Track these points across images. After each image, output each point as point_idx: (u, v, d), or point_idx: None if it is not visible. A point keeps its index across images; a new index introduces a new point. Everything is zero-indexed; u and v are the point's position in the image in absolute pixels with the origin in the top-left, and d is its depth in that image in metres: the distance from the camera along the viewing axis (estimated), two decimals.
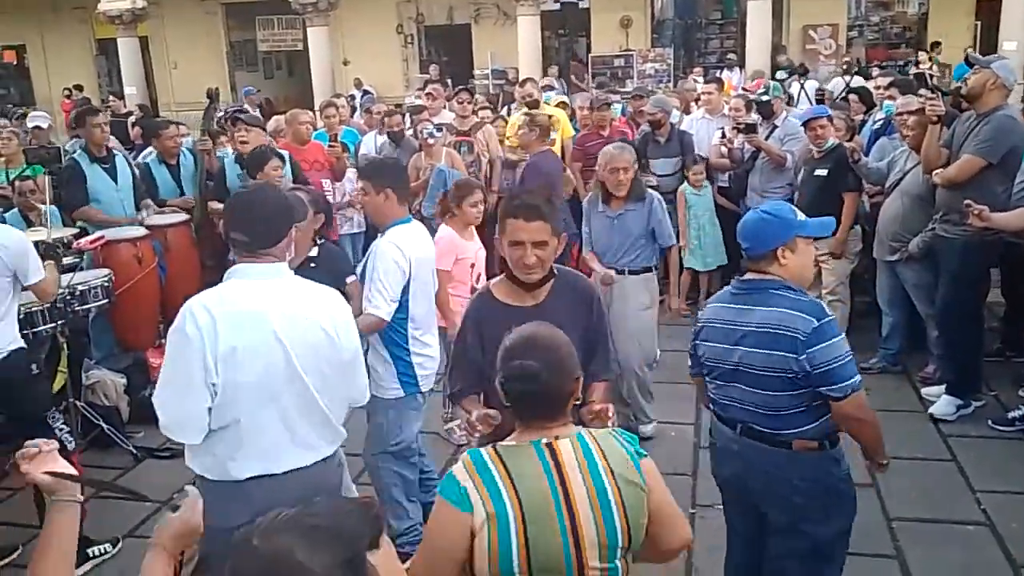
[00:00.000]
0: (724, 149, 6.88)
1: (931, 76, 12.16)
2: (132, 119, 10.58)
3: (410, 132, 7.33)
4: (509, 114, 8.96)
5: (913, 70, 12.92)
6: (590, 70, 16.47)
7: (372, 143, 7.68)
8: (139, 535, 4.18)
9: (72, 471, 1.81)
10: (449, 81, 14.69)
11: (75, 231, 5.41)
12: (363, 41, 18.24)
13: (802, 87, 11.97)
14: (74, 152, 6.27)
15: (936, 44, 15.18)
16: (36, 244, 3.93)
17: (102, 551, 3.96)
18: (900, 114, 5.45)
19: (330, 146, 6.77)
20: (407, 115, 7.67)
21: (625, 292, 4.78)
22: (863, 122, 6.93)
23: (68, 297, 4.56)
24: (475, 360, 2.83)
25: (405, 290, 3.57)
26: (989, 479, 4.30)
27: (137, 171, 6.28)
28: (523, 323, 2.68)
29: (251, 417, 2.51)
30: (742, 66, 15.24)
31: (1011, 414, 4.83)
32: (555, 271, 2.86)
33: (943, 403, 4.98)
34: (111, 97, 14.20)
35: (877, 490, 4.17)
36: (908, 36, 17.28)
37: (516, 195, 2.85)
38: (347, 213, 6.87)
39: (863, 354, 5.14)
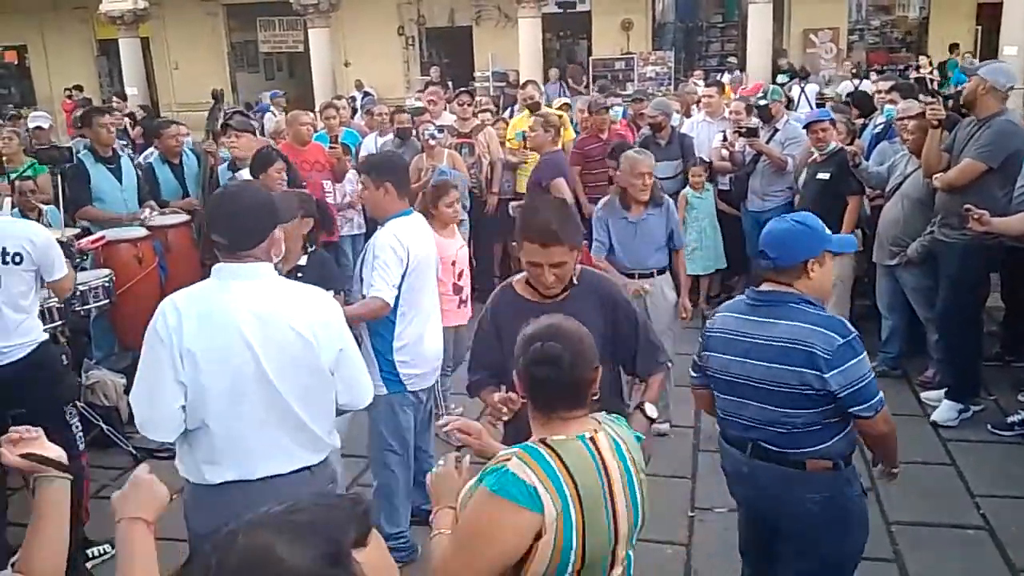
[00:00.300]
0: (725, 152, 6.89)
1: (931, 80, 12.19)
2: (127, 120, 10.61)
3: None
4: (511, 116, 8.96)
5: (913, 74, 12.93)
6: (591, 73, 16.49)
7: (373, 144, 7.68)
8: None
9: (49, 454, 1.77)
10: (450, 83, 14.71)
11: (76, 231, 5.42)
12: (364, 43, 18.25)
13: (802, 90, 11.98)
14: (79, 152, 6.28)
15: (954, 46, 15.16)
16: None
17: (102, 551, 3.96)
18: (901, 118, 5.46)
19: (331, 147, 6.77)
20: (409, 116, 7.67)
21: (659, 291, 4.90)
22: (864, 126, 6.94)
23: (68, 297, 4.55)
24: (494, 351, 2.83)
25: (401, 281, 3.55)
26: (988, 483, 4.30)
27: (140, 172, 6.29)
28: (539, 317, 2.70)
29: (220, 420, 2.47)
30: (742, 69, 15.26)
31: (1010, 419, 4.83)
32: (576, 278, 2.82)
33: (944, 409, 4.98)
34: (114, 98, 14.19)
35: (876, 494, 4.16)
36: (909, 40, 17.30)
37: (532, 214, 2.75)
38: (347, 214, 6.88)
39: None
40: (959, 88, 5.03)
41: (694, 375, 2.90)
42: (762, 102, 6.86)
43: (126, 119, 10.51)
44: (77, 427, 3.93)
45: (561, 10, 17.63)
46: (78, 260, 5.05)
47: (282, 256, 2.76)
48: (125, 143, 8.37)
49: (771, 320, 2.58)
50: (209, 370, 2.43)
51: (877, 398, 2.51)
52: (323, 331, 2.51)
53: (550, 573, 1.86)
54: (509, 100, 13.93)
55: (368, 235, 6.59)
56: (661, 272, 4.91)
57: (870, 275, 5.78)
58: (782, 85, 10.23)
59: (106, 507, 4.21)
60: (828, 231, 2.67)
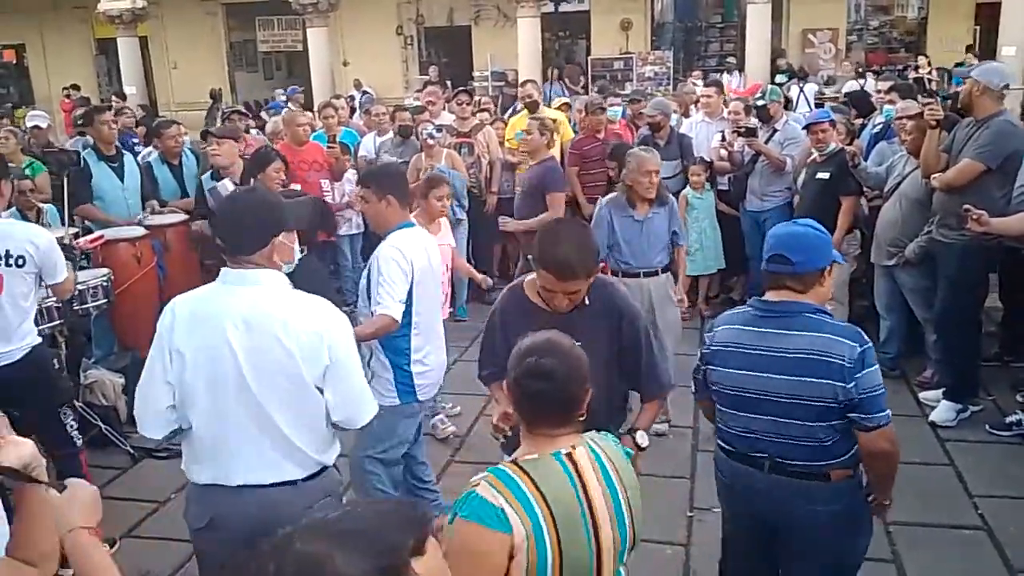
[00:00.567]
0: (723, 152, 6.89)
1: (930, 81, 12.18)
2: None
3: None
4: (511, 116, 8.96)
5: (912, 74, 12.92)
6: (590, 72, 16.48)
7: (371, 144, 7.69)
8: (135, 535, 4.18)
9: (8, 460, 1.73)
10: (448, 83, 14.70)
11: (74, 230, 5.41)
12: (363, 42, 18.24)
13: (801, 91, 11.98)
14: (83, 150, 6.29)
15: (969, 47, 15.13)
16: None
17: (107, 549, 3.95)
18: (899, 119, 5.47)
19: (328, 147, 6.77)
20: (411, 115, 7.68)
21: (662, 290, 4.92)
22: (863, 126, 6.95)
23: (53, 299, 4.54)
24: (501, 349, 2.81)
25: (408, 295, 3.52)
26: (987, 484, 4.31)
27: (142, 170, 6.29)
28: (546, 325, 2.72)
29: (203, 422, 2.50)
30: (741, 69, 15.25)
31: (1008, 419, 4.83)
32: (587, 297, 2.79)
33: (943, 409, 4.98)
34: (114, 97, 14.16)
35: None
36: (907, 40, 17.30)
37: (552, 245, 2.68)
38: (346, 214, 6.88)
39: None
40: (958, 89, 5.03)
41: (696, 392, 2.86)
42: (760, 102, 6.86)
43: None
44: (72, 427, 3.93)
45: (553, 10, 17.57)
46: (79, 260, 5.05)
47: (294, 262, 2.70)
48: (137, 141, 8.34)
49: (787, 332, 2.51)
50: (195, 371, 2.45)
51: (884, 413, 2.46)
52: (310, 344, 2.44)
53: None
54: (508, 100, 13.94)
55: (366, 235, 6.60)
56: (665, 270, 4.94)
57: (868, 276, 5.78)
58: (781, 85, 10.23)
59: (106, 506, 4.23)
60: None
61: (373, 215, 3.67)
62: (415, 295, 3.54)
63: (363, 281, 3.68)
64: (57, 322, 4.51)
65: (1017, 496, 4.17)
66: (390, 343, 3.60)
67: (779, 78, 13.11)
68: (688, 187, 6.84)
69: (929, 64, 13.56)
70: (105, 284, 5.04)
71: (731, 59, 16.41)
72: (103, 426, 4.96)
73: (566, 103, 9.13)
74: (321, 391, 2.50)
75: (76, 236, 5.19)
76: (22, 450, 1.65)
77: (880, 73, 12.51)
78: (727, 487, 2.80)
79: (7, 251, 3.59)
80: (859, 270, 5.98)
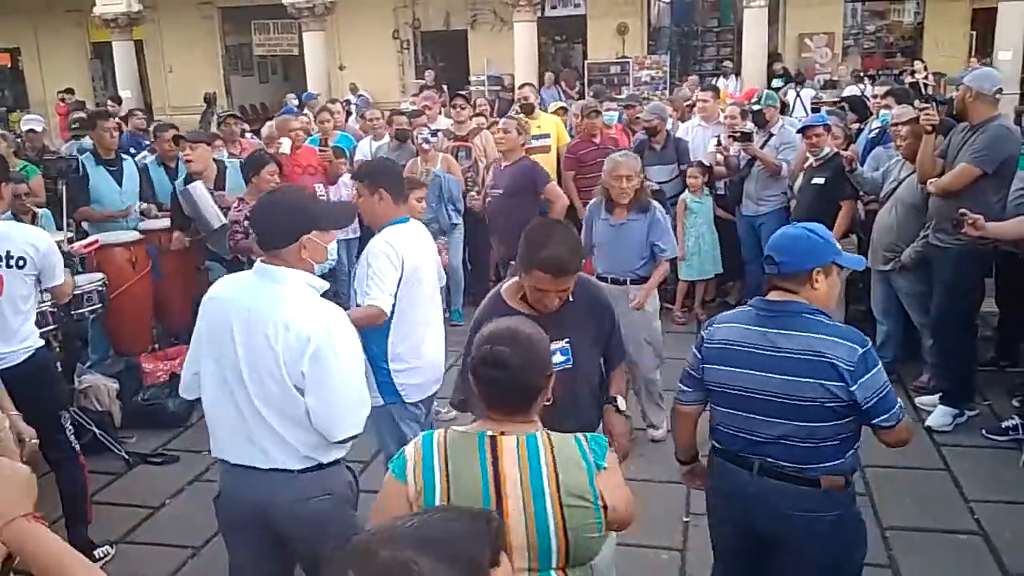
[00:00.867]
0: (720, 157, 6.90)
1: (925, 86, 12.22)
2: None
3: None
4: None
5: (908, 79, 12.97)
6: (586, 77, 16.51)
7: (368, 148, 7.68)
8: (130, 541, 4.16)
9: None
10: (445, 87, 14.71)
11: (70, 235, 5.41)
12: (359, 46, 18.25)
13: (798, 95, 12.01)
14: (82, 154, 6.29)
15: (972, 55, 15.16)
16: None
17: (104, 554, 3.95)
18: (895, 124, 5.48)
19: (321, 150, 6.77)
20: (407, 119, 7.67)
21: (650, 303, 4.88)
22: (859, 131, 6.96)
23: (52, 303, 4.54)
24: None
25: (397, 288, 3.49)
26: (982, 488, 4.31)
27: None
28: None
29: (208, 398, 2.69)
30: (738, 73, 15.29)
31: (1004, 424, 4.83)
32: (571, 294, 2.84)
33: (939, 414, 4.98)
34: (109, 102, 14.15)
35: (871, 499, 4.18)
36: (904, 45, 17.35)
37: (541, 245, 2.69)
38: None
39: None
40: (954, 94, 5.04)
41: (687, 390, 2.77)
42: (756, 107, 6.87)
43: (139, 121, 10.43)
44: (71, 431, 3.93)
45: (543, 14, 17.59)
46: (76, 266, 5.05)
47: (326, 261, 2.78)
48: (149, 142, 8.29)
49: (787, 331, 2.50)
50: (208, 351, 2.65)
51: (897, 406, 2.47)
52: (294, 348, 2.49)
53: None
54: (504, 104, 13.94)
55: (363, 239, 6.59)
56: (639, 282, 4.83)
57: (864, 280, 5.79)
58: (777, 90, 10.26)
59: (98, 512, 4.23)
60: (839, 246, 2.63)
61: (366, 210, 3.65)
62: (401, 291, 3.51)
63: (355, 280, 3.69)
64: (52, 327, 4.50)
65: (1013, 501, 4.17)
66: (368, 339, 3.53)
67: (775, 82, 13.15)
68: (686, 191, 6.85)
69: (925, 69, 13.60)
70: (100, 289, 5.04)
71: (727, 63, 16.46)
72: (97, 431, 4.93)
73: (562, 107, 9.13)
74: (304, 394, 2.55)
75: (71, 241, 5.18)
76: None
77: (876, 78, 12.56)
78: (716, 491, 2.77)
79: (7, 252, 3.61)
80: (855, 274, 5.98)
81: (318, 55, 16.21)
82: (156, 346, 6.24)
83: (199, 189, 5.54)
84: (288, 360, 2.50)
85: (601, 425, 3.12)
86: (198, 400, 5.98)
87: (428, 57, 19.00)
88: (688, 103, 8.73)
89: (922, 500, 4.20)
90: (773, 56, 15.51)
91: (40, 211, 5.50)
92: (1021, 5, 13.40)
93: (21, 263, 3.63)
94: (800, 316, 2.50)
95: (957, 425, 4.94)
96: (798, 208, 6.05)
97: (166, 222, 6.11)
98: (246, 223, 4.88)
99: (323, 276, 2.83)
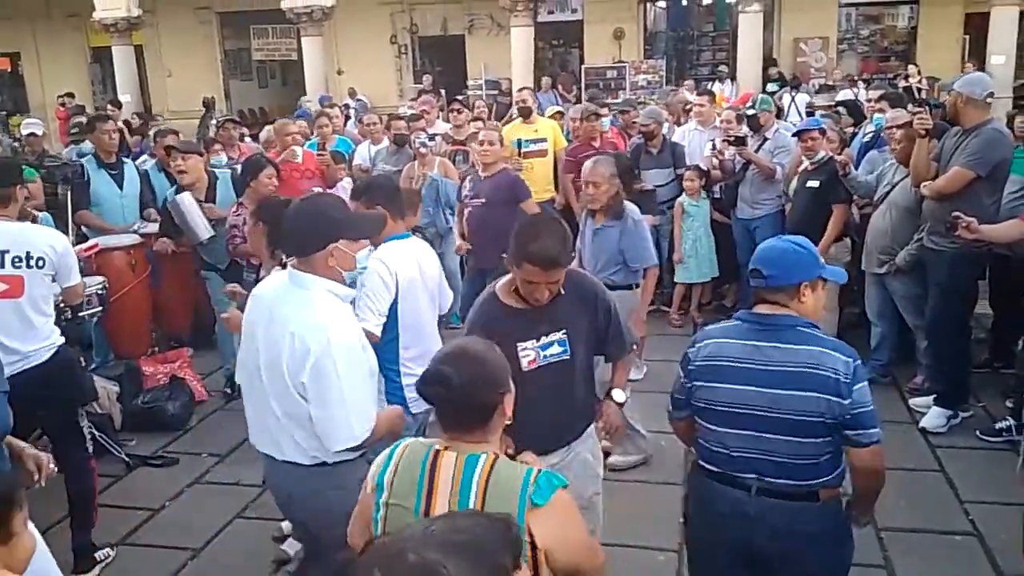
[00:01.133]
0: (715, 161, 6.93)
1: (919, 90, 12.28)
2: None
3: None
4: (505, 125, 8.99)
5: (902, 83, 13.03)
6: (583, 81, 16.56)
7: (366, 152, 7.71)
8: (130, 543, 4.19)
9: None
10: (443, 91, 14.75)
11: (71, 239, 5.43)
12: (357, 51, 18.29)
13: (792, 100, 12.05)
14: (83, 157, 6.31)
15: (966, 61, 15.19)
16: None
17: (106, 556, 3.98)
18: (889, 127, 5.52)
19: (319, 154, 6.80)
20: (406, 123, 7.70)
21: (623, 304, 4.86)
22: (853, 135, 7.01)
23: (62, 304, 4.57)
24: None
25: (393, 308, 3.48)
26: (977, 490, 4.33)
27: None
28: (531, 324, 2.75)
29: (244, 389, 2.92)
30: (733, 78, 15.34)
31: (998, 425, 4.86)
32: (562, 286, 2.88)
33: (933, 415, 5.01)
34: (108, 106, 14.16)
35: None
36: (898, 49, 17.43)
37: (532, 239, 2.74)
38: None
39: None
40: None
41: (676, 411, 2.75)
42: (751, 112, 6.91)
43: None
44: (88, 428, 4.00)
45: (534, 18, 17.63)
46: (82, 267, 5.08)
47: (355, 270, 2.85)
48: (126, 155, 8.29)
49: (780, 345, 2.46)
50: (244, 344, 2.86)
51: (876, 429, 2.44)
52: (297, 356, 2.59)
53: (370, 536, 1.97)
54: (502, 108, 13.98)
55: None
56: (612, 288, 4.82)
57: (859, 283, 5.83)
58: (772, 94, 10.30)
59: (102, 513, 4.25)
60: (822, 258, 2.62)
61: None
62: (401, 308, 3.50)
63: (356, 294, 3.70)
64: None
65: (1007, 502, 4.18)
66: (379, 353, 3.59)
67: (770, 87, 13.20)
68: (683, 194, 6.88)
69: (919, 73, 13.67)
70: (100, 292, 5.06)
71: (723, 68, 16.52)
72: (98, 434, 4.93)
73: (559, 111, 9.18)
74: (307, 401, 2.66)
75: (72, 244, 5.20)
76: None
77: (870, 82, 12.60)
78: (710, 513, 2.64)
79: (27, 253, 3.70)
80: (850, 277, 6.02)
81: (316, 60, 16.24)
82: (156, 349, 6.26)
83: (187, 201, 5.54)
84: (291, 368, 2.62)
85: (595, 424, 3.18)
86: (198, 403, 6.05)
87: (426, 62, 19.04)
88: (686, 107, 8.76)
89: (917, 501, 4.22)
90: (768, 60, 15.57)
91: (40, 215, 5.52)
92: (1014, 10, 13.49)
93: (40, 263, 3.72)
94: (795, 329, 2.47)
95: (951, 426, 4.97)
96: (792, 212, 6.09)
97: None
98: (245, 228, 4.90)
99: (351, 284, 2.88)
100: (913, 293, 5.29)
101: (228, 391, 5.88)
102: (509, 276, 2.94)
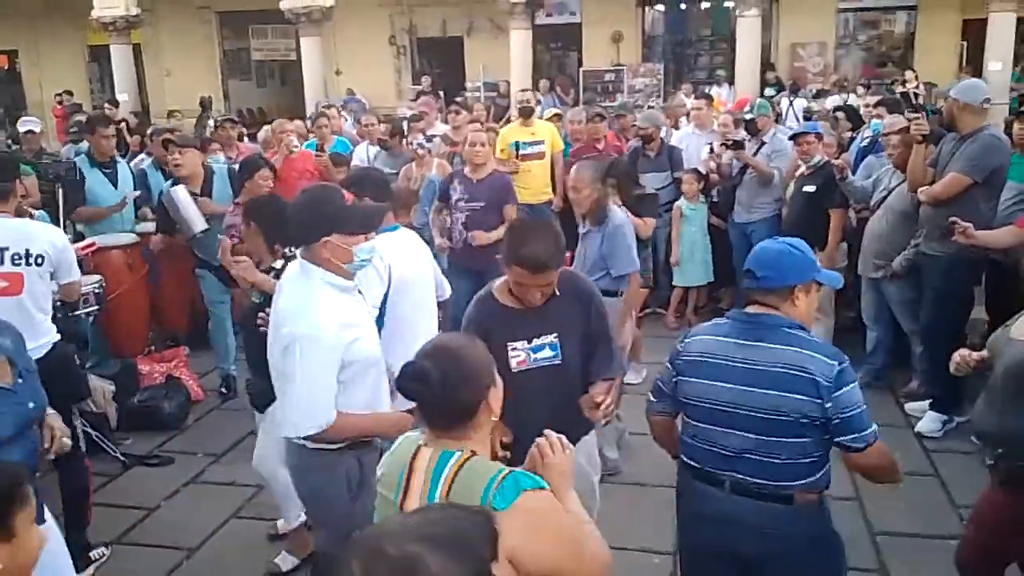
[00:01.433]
0: (713, 164, 6.95)
1: (916, 95, 12.28)
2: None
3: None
4: (503, 126, 9.00)
5: (899, 89, 13.05)
6: (581, 84, 16.57)
7: (364, 153, 7.71)
8: (126, 542, 4.18)
9: None
10: (441, 93, 14.75)
11: (67, 237, 5.41)
12: (356, 51, 18.28)
13: (791, 104, 12.07)
14: (73, 155, 6.30)
15: (963, 68, 15.24)
16: None
17: (100, 555, 3.97)
18: (886, 133, 5.53)
19: (317, 155, 6.81)
20: (406, 123, 7.71)
21: None
22: (851, 140, 7.03)
23: (59, 303, 4.56)
24: None
25: (384, 299, 3.49)
26: (972, 494, 4.30)
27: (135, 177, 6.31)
28: (523, 325, 2.71)
29: None
30: (731, 82, 15.36)
31: None
32: (556, 287, 2.88)
33: (928, 420, 5.03)
34: (106, 105, 14.15)
35: (861, 504, 4.21)
36: (895, 55, 17.46)
37: (521, 242, 2.74)
38: None
39: None
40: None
41: (655, 401, 2.74)
42: (748, 116, 6.93)
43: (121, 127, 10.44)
44: (82, 426, 4.00)
45: (533, 23, 17.64)
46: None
47: (353, 262, 2.84)
48: (123, 154, 8.27)
49: (764, 344, 2.45)
50: None
51: (870, 430, 2.40)
52: (277, 341, 2.75)
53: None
54: (500, 110, 13.99)
55: None
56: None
57: (855, 287, 5.84)
58: (770, 98, 10.33)
59: (97, 512, 4.24)
60: (817, 262, 2.58)
61: None
62: (391, 300, 3.52)
63: None
64: None
65: None
66: None
67: (768, 91, 13.23)
68: (682, 198, 6.90)
69: (916, 78, 13.69)
70: (97, 291, 5.05)
71: (721, 72, 16.53)
72: (94, 433, 4.94)
73: (557, 114, 9.18)
74: None
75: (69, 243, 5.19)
76: None
77: (869, 87, 12.63)
78: (694, 515, 2.66)
79: (27, 250, 3.71)
80: (846, 281, 6.03)
81: (315, 60, 16.23)
82: (152, 348, 6.26)
83: (180, 193, 5.55)
84: (272, 348, 2.81)
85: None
86: (194, 403, 6.05)
87: (424, 63, 19.04)
88: (683, 109, 8.79)
89: (912, 505, 4.23)
90: (766, 65, 15.60)
91: (36, 212, 5.52)
92: (1011, 16, 13.52)
93: (40, 260, 3.74)
94: (780, 330, 2.46)
95: (947, 431, 4.99)
96: (788, 216, 6.11)
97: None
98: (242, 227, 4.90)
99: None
100: (909, 298, 5.30)
101: (224, 391, 5.89)
102: (504, 279, 2.95)
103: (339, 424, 2.71)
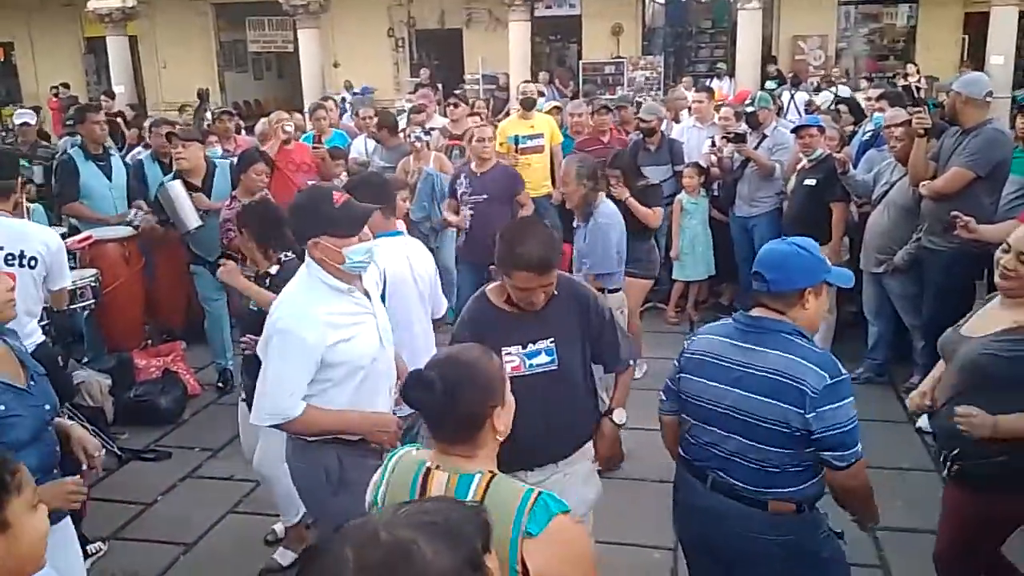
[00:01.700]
0: (713, 158, 6.92)
1: (918, 89, 12.27)
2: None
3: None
4: (502, 119, 8.97)
5: (901, 82, 13.02)
6: (580, 77, 16.53)
7: (362, 146, 7.68)
8: (123, 537, 4.16)
9: None
10: (440, 85, 14.70)
11: (63, 230, 5.39)
12: (354, 44, 18.22)
13: (792, 98, 12.04)
14: (70, 148, 6.26)
15: (964, 62, 15.19)
16: None
17: (97, 549, 3.95)
18: (888, 126, 5.50)
19: (314, 147, 6.77)
20: (406, 116, 7.69)
21: None
22: (852, 134, 6.99)
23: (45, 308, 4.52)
24: None
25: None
26: None
27: (130, 169, 6.26)
28: (519, 329, 2.65)
29: None
30: (732, 75, 15.32)
31: None
32: (555, 289, 2.80)
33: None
34: (103, 96, 14.11)
35: None
36: (897, 48, 17.43)
37: (520, 244, 2.66)
38: None
39: (849, 364, 5.11)
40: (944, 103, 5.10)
41: (665, 400, 2.74)
42: (749, 109, 6.89)
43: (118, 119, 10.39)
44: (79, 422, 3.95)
45: (531, 15, 17.61)
46: (70, 262, 5.03)
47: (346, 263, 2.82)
48: (120, 147, 8.25)
49: (761, 349, 2.42)
50: None
51: (853, 450, 2.34)
52: (266, 327, 2.82)
53: None
54: (499, 103, 13.93)
55: None
56: None
57: (856, 281, 5.81)
58: (771, 92, 10.29)
59: (93, 507, 4.21)
60: (828, 261, 2.52)
61: None
62: (388, 305, 3.38)
63: None
64: (44, 322, 4.47)
65: None
66: None
67: (769, 84, 13.18)
68: (683, 192, 6.86)
69: (918, 72, 13.66)
70: (93, 284, 5.02)
71: (721, 65, 16.49)
72: (90, 427, 4.88)
73: (557, 106, 9.14)
74: None
75: (64, 236, 5.15)
76: None
77: (872, 79, 12.58)
78: (677, 502, 2.71)
79: (22, 251, 3.66)
80: None
81: (312, 52, 16.18)
82: (149, 342, 6.23)
83: (176, 188, 5.51)
84: (263, 340, 2.83)
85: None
86: (191, 397, 6.03)
87: (423, 55, 18.99)
88: (684, 102, 8.75)
89: (913, 501, 4.20)
90: (767, 58, 15.55)
91: (32, 206, 5.48)
92: (1013, 10, 13.49)
93: (33, 263, 3.68)
94: (779, 335, 2.42)
95: None
96: (789, 209, 6.08)
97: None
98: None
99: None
100: (910, 292, 5.28)
101: (221, 385, 5.86)
102: (500, 281, 2.85)
103: (306, 418, 2.73)
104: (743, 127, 6.69)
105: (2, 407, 2.45)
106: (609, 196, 5.20)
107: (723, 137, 6.71)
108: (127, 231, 5.85)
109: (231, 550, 4.04)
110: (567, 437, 2.88)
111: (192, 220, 5.49)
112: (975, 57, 14.69)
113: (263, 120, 8.41)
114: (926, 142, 4.92)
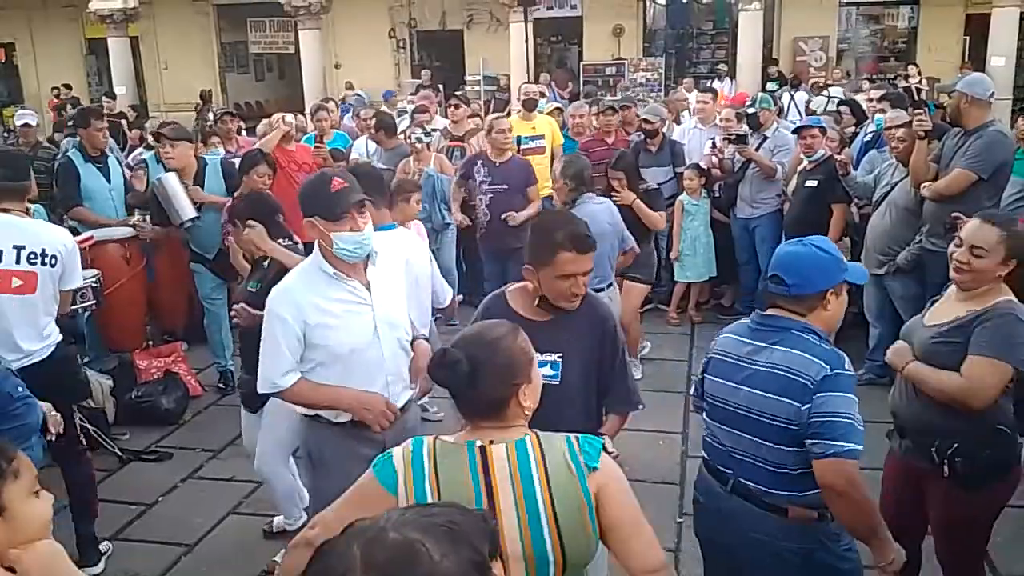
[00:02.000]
0: (715, 159, 6.92)
1: (919, 90, 12.27)
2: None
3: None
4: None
5: (902, 84, 13.01)
6: (581, 78, 16.54)
7: (363, 147, 7.68)
8: (123, 538, 4.16)
9: None
10: (441, 86, 14.72)
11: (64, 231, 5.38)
12: (355, 45, 18.24)
13: (792, 99, 12.04)
14: (68, 150, 6.26)
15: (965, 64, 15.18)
16: None
17: (107, 548, 3.96)
18: (889, 127, 5.51)
19: (316, 147, 6.78)
20: (409, 117, 7.69)
21: None
22: (854, 135, 6.99)
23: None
24: None
25: None
26: None
27: (131, 170, 6.27)
28: (530, 337, 2.64)
29: None
30: (733, 76, 15.32)
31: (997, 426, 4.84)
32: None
33: None
34: (104, 98, 14.12)
35: None
36: (898, 50, 17.43)
37: (561, 225, 2.64)
38: None
39: None
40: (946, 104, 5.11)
41: (696, 398, 2.74)
42: (750, 110, 6.89)
43: (120, 120, 10.40)
44: (78, 422, 3.98)
45: (526, 17, 17.58)
46: None
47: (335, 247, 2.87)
48: (122, 148, 8.24)
49: (767, 346, 2.41)
50: None
51: (839, 443, 2.22)
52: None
53: None
54: (499, 104, 13.94)
55: None
56: None
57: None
58: (772, 93, 10.28)
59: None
60: (844, 259, 2.47)
61: None
62: None
63: None
64: None
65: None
66: None
67: (770, 86, 13.19)
68: (684, 193, 6.86)
69: (919, 73, 13.65)
70: (94, 285, 5.01)
71: (722, 66, 16.48)
72: (91, 428, 4.90)
73: (558, 108, 9.14)
74: None
75: None
76: None
77: (874, 80, 12.57)
78: (696, 501, 2.68)
79: (43, 250, 3.63)
80: None
81: (314, 53, 16.19)
82: (150, 343, 6.23)
83: (171, 180, 5.53)
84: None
85: None
86: (192, 398, 6.02)
87: (424, 56, 19.01)
88: (685, 103, 8.76)
89: None
90: (768, 59, 15.56)
91: (32, 207, 5.48)
92: (1014, 11, 13.49)
93: (53, 262, 3.65)
94: (788, 332, 2.39)
95: None
96: (790, 210, 6.08)
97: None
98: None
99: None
100: (912, 293, 5.27)
101: (222, 386, 5.86)
102: (522, 284, 2.80)
103: (297, 389, 2.89)
104: (744, 128, 6.69)
105: (20, 388, 2.44)
106: (608, 196, 5.22)
107: (724, 138, 6.71)
108: (128, 232, 5.85)
109: (232, 551, 4.03)
110: None
111: (188, 211, 5.51)
112: (976, 58, 14.69)
113: (264, 121, 8.42)
114: (926, 144, 4.91)
